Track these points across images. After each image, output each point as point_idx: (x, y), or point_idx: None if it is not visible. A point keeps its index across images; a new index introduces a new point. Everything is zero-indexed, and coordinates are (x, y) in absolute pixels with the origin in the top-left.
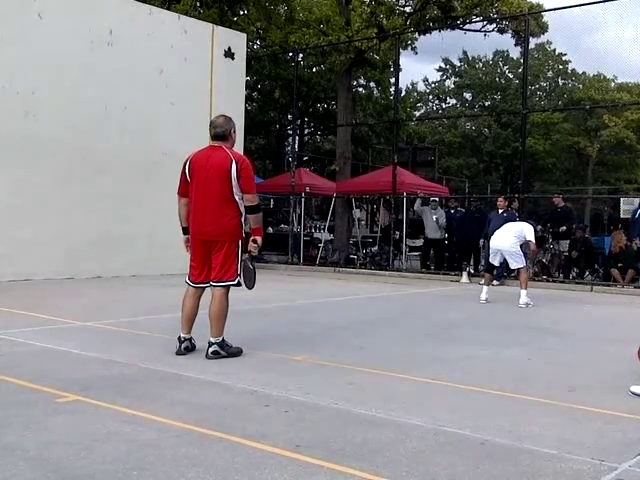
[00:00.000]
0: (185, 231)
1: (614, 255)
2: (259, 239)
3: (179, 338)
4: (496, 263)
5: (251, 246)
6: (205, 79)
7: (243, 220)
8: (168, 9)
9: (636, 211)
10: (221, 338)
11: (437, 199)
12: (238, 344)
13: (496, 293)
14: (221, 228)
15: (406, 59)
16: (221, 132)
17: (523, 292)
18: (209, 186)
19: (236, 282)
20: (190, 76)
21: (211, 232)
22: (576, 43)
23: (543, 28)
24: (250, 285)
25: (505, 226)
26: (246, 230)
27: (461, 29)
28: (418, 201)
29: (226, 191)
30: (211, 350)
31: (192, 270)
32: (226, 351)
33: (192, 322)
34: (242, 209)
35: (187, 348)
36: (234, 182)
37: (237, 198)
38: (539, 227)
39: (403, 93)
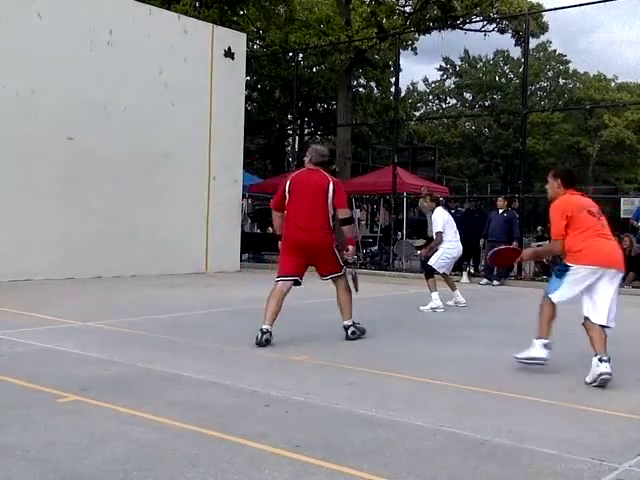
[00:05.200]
0: (279, 237)
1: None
2: (352, 248)
3: (262, 330)
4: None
5: (346, 254)
6: (205, 79)
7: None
8: (168, 9)
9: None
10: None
11: (442, 198)
12: (239, 343)
13: (496, 293)
14: (321, 236)
15: (406, 59)
16: (326, 160)
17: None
18: (314, 201)
19: (342, 272)
20: (190, 76)
21: (313, 239)
22: (576, 43)
23: (543, 28)
24: (356, 289)
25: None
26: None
27: (461, 29)
28: (422, 199)
29: (325, 205)
30: (350, 331)
31: (284, 266)
32: (360, 330)
33: (277, 315)
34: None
35: (267, 340)
36: (329, 200)
37: (330, 212)
38: (539, 228)
39: (403, 93)
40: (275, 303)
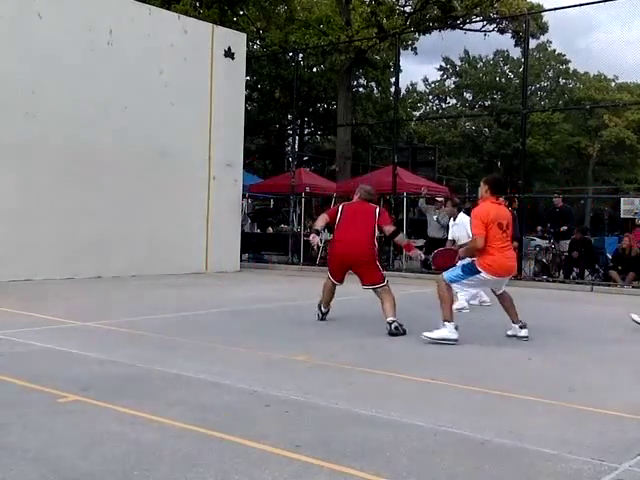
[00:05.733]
0: (315, 231)
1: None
2: (411, 252)
3: (322, 311)
4: None
5: (414, 255)
6: (205, 79)
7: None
8: (168, 9)
9: None
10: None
11: (442, 199)
12: (240, 343)
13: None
14: (365, 248)
15: (406, 59)
16: (372, 198)
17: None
18: (363, 219)
19: (384, 283)
20: (190, 76)
21: (358, 251)
22: (576, 43)
23: (543, 29)
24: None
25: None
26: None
27: (461, 29)
28: (422, 199)
29: (372, 224)
30: (394, 326)
31: (335, 272)
32: (402, 328)
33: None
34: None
35: (324, 318)
36: (375, 221)
37: (375, 232)
38: (539, 228)
39: (403, 93)
40: (330, 296)
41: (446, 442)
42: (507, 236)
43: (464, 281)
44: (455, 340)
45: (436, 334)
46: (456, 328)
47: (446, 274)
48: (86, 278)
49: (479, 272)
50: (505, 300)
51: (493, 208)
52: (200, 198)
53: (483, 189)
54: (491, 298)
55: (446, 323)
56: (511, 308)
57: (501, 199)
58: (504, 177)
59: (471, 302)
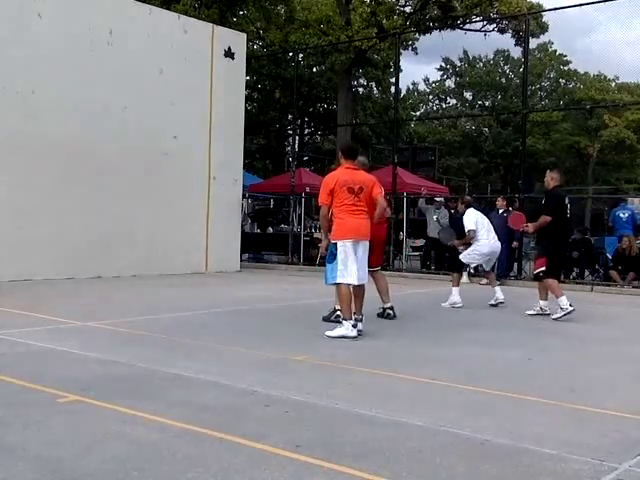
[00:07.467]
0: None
1: (626, 258)
2: None
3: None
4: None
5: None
6: (205, 79)
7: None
8: (168, 9)
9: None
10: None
11: (442, 199)
12: (240, 343)
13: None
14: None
15: (406, 59)
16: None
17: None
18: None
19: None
20: (190, 76)
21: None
22: (576, 43)
23: (543, 28)
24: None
25: (490, 225)
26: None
27: (461, 29)
28: (422, 199)
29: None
30: (393, 311)
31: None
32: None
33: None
34: None
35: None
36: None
37: None
38: None
39: (403, 93)
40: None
41: (446, 442)
42: (360, 201)
43: (337, 267)
44: (354, 337)
45: (335, 332)
46: (354, 326)
47: (326, 280)
48: (86, 278)
49: (335, 245)
50: (360, 291)
51: (344, 173)
52: (200, 198)
53: (339, 155)
54: (491, 300)
55: (344, 322)
56: (359, 298)
57: (357, 164)
58: (504, 177)
59: (490, 302)
